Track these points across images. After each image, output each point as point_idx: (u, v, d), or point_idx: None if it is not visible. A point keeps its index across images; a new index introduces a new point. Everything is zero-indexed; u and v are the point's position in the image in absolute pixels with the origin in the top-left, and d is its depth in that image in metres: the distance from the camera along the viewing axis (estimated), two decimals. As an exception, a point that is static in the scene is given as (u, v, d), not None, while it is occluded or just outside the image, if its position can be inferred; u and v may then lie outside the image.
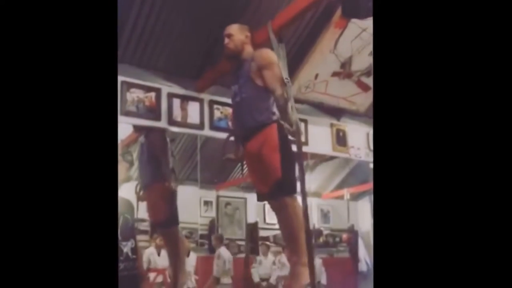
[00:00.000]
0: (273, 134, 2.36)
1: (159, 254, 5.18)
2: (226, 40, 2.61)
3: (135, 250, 2.61)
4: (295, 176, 2.39)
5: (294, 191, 2.37)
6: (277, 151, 2.32)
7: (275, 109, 2.44)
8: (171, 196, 3.26)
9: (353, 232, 6.76)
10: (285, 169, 2.30)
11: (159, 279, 5.02)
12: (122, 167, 2.67)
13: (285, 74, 2.43)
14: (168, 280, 5.06)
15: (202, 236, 5.86)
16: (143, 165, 3.53)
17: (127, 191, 2.82)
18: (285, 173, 2.30)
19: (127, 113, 3.38)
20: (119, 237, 2.51)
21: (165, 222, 3.24)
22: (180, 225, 3.55)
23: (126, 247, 2.55)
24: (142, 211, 3.53)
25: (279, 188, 2.31)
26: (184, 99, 3.64)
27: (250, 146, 2.47)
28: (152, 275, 4.98)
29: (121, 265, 2.47)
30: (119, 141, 4.56)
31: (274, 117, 2.43)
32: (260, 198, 2.56)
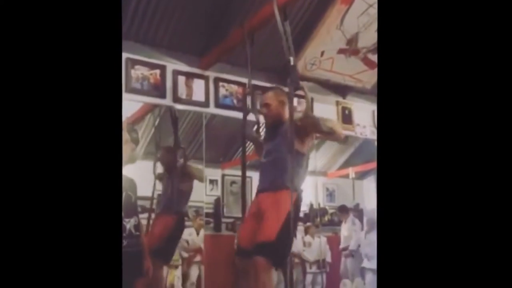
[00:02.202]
0: (288, 199, 2.28)
1: (197, 234, 5.35)
2: (265, 110, 2.55)
3: (138, 227, 2.63)
4: (289, 250, 2.34)
5: (280, 263, 2.30)
6: (283, 216, 2.27)
7: (302, 177, 2.42)
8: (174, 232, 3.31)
9: (358, 211, 6.78)
10: (281, 236, 2.23)
11: (197, 258, 5.19)
12: (127, 147, 2.65)
13: (290, 54, 2.39)
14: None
15: (207, 215, 5.90)
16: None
17: (130, 170, 2.82)
18: (279, 240, 2.23)
19: (132, 90, 3.37)
20: (122, 214, 2.52)
21: (157, 252, 3.22)
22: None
23: (129, 224, 2.56)
24: (145, 189, 3.55)
25: (265, 250, 2.23)
26: (189, 76, 3.62)
27: (261, 198, 2.44)
28: (190, 254, 5.17)
29: (124, 242, 2.48)
30: (124, 119, 4.58)
31: (300, 190, 2.39)
32: (240, 253, 2.50)
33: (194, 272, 5.20)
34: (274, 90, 2.63)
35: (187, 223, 5.12)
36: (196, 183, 5.60)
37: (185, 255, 5.14)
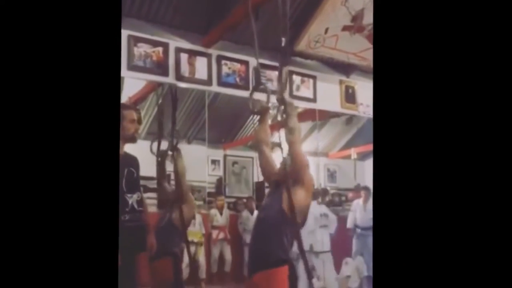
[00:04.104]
0: (285, 276, 2.20)
1: (221, 214, 5.45)
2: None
3: (141, 202, 2.62)
4: None
5: None
6: None
7: (293, 245, 2.31)
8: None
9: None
10: None
11: (221, 235, 5.29)
12: (132, 126, 2.63)
13: (284, 34, 2.33)
14: (229, 236, 5.59)
15: (210, 194, 5.94)
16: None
17: (133, 148, 2.81)
18: None
19: (134, 68, 3.33)
20: (124, 189, 2.52)
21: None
22: (188, 183, 3.56)
23: (131, 199, 2.56)
24: (147, 168, 3.54)
25: None
26: (192, 54, 3.59)
27: (257, 279, 2.30)
28: (214, 232, 5.32)
29: (126, 216, 2.48)
30: (127, 98, 4.56)
31: (290, 255, 2.29)
32: None
33: (216, 250, 5.34)
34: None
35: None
36: (198, 163, 5.64)
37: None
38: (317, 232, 5.24)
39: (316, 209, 5.34)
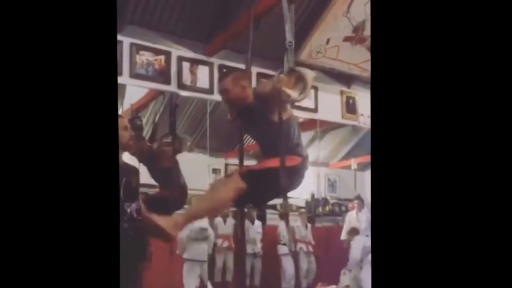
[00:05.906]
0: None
1: (225, 223, 5.46)
2: (224, 97, 2.43)
3: (140, 212, 2.61)
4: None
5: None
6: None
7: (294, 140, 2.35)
8: None
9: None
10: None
11: (225, 244, 5.30)
12: (126, 134, 2.60)
13: (289, 37, 2.34)
14: (233, 245, 5.57)
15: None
16: None
17: (131, 158, 2.80)
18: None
19: (137, 76, 3.36)
20: (122, 197, 2.50)
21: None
22: (189, 192, 3.55)
23: (130, 208, 2.54)
24: (148, 176, 3.53)
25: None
26: (194, 62, 3.61)
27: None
28: (219, 241, 5.40)
29: (125, 225, 2.47)
30: (128, 106, 4.58)
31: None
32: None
33: (220, 258, 5.32)
34: (233, 74, 2.44)
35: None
36: (199, 172, 5.63)
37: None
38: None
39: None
